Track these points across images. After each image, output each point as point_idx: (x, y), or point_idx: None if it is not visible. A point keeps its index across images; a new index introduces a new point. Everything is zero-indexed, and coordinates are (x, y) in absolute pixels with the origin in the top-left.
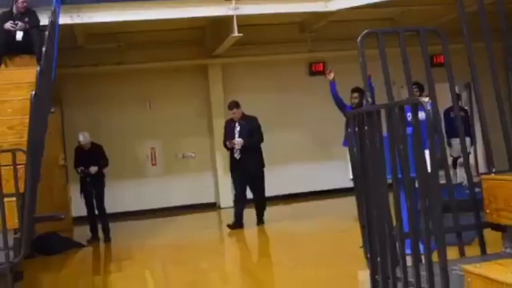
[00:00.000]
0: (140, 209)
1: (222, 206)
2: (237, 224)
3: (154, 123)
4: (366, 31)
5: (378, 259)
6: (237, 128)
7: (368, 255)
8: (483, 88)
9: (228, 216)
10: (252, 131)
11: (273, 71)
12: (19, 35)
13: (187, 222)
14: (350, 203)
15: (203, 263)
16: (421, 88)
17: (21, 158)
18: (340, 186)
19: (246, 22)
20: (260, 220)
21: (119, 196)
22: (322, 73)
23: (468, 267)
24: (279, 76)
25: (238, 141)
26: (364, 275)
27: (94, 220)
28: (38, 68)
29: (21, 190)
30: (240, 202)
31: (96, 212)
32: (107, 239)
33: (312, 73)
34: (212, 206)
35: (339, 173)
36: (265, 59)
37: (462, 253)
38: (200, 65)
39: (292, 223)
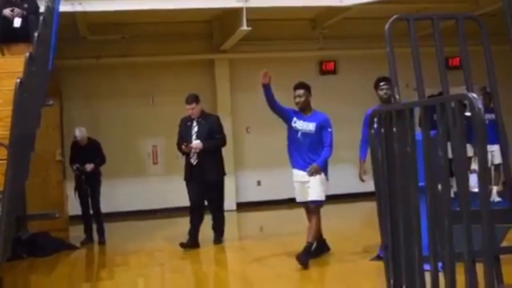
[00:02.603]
0: (139, 210)
1: (225, 209)
2: (192, 242)
3: (156, 119)
4: (395, 16)
5: (404, 286)
6: (195, 128)
7: (391, 281)
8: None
9: (230, 220)
10: (212, 132)
11: (282, 68)
12: (17, 22)
13: (188, 224)
14: (357, 209)
15: (201, 271)
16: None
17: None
18: (348, 191)
19: (256, 16)
20: (218, 238)
21: (118, 195)
22: (333, 72)
23: None
24: (288, 74)
25: (195, 144)
26: None
27: (89, 220)
28: (28, 54)
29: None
30: (195, 216)
31: (91, 212)
32: (102, 241)
33: (323, 72)
34: None
35: (348, 177)
36: (274, 56)
37: (499, 279)
38: (206, 60)
39: (293, 230)
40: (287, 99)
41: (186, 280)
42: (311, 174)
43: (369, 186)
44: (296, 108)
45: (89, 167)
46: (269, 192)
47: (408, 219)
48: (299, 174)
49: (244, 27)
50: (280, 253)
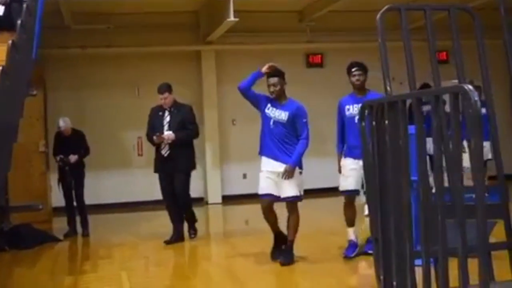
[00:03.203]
0: (124, 202)
1: (210, 201)
2: (176, 237)
3: (142, 111)
4: (387, 6)
5: (394, 282)
6: (167, 118)
7: (381, 277)
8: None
9: (216, 213)
10: (184, 123)
11: (269, 61)
12: (0, 10)
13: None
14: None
15: (186, 264)
16: (365, 70)
17: None
18: (336, 185)
19: (243, 8)
20: (191, 232)
21: (102, 187)
22: (320, 65)
23: None
24: None
25: (167, 135)
26: None
27: (73, 212)
28: (10, 41)
29: None
30: (173, 211)
31: (75, 204)
32: (86, 234)
33: (310, 65)
34: (200, 202)
35: (335, 171)
36: (261, 48)
37: (491, 276)
38: (193, 51)
39: (279, 223)
40: None
41: (170, 274)
42: (286, 178)
43: None
44: (271, 96)
45: (73, 158)
46: (255, 185)
47: (399, 214)
48: (270, 163)
49: (231, 18)
50: (266, 247)
